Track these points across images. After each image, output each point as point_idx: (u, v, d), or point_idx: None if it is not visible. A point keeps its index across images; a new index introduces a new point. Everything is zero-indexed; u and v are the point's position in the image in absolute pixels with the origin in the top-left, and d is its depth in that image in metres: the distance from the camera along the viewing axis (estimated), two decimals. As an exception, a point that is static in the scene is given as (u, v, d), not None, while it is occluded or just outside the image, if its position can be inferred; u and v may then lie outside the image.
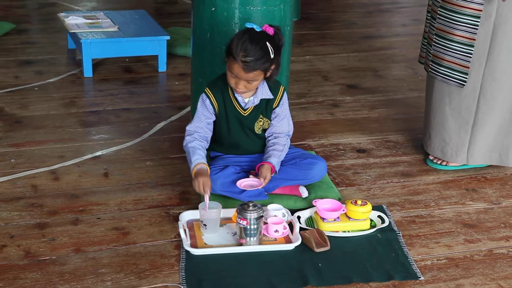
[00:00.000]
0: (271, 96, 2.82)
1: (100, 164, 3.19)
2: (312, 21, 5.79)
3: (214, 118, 2.83)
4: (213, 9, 2.97)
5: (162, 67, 4.43)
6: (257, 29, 2.67)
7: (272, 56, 2.65)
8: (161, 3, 6.20)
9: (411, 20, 5.96)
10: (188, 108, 3.77)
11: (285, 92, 2.88)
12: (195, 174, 2.68)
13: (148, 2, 6.17)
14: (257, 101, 2.81)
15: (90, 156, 3.26)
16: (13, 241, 2.57)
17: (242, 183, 2.74)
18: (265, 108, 2.84)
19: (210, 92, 2.80)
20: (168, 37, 4.39)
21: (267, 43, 2.64)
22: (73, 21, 4.53)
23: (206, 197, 2.61)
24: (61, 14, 4.73)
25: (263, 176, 2.74)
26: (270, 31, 2.68)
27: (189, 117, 3.38)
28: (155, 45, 4.37)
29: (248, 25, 2.69)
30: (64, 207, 2.82)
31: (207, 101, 2.80)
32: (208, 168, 2.72)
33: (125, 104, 3.91)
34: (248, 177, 2.81)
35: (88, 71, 4.27)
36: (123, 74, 4.37)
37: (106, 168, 3.16)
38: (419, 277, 2.44)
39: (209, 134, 2.84)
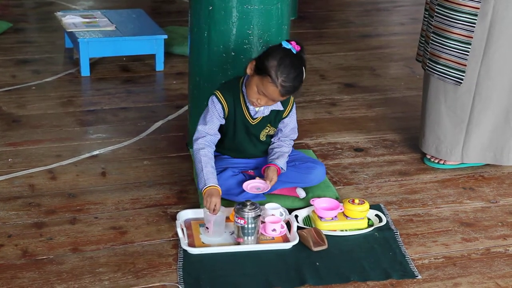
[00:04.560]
0: (281, 108, 2.80)
1: (97, 163, 3.18)
2: (309, 20, 5.79)
3: (223, 122, 2.78)
4: (211, 8, 2.97)
5: (160, 66, 4.43)
6: (287, 46, 2.60)
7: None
8: (158, 2, 6.19)
9: (408, 19, 5.96)
10: (186, 107, 3.76)
11: (294, 103, 2.85)
12: (208, 193, 2.60)
13: (146, 1, 6.16)
14: (267, 112, 2.78)
15: (87, 155, 3.26)
16: (10, 240, 2.57)
17: (249, 185, 2.72)
18: (274, 118, 2.82)
19: (222, 97, 2.73)
20: (165, 36, 4.39)
21: (303, 68, 2.62)
22: (70, 20, 4.52)
23: (213, 217, 2.57)
24: (58, 13, 4.73)
25: (269, 178, 2.73)
26: (298, 48, 2.63)
27: (187, 116, 3.37)
28: (152, 44, 4.37)
29: (285, 45, 2.60)
30: (62, 206, 2.82)
31: (218, 105, 2.73)
32: (220, 190, 2.64)
33: (122, 103, 3.90)
34: (245, 176, 2.80)
35: (85, 70, 4.26)
36: (120, 73, 4.37)
37: (103, 167, 3.15)
38: (417, 276, 2.45)
39: (217, 139, 2.78)
